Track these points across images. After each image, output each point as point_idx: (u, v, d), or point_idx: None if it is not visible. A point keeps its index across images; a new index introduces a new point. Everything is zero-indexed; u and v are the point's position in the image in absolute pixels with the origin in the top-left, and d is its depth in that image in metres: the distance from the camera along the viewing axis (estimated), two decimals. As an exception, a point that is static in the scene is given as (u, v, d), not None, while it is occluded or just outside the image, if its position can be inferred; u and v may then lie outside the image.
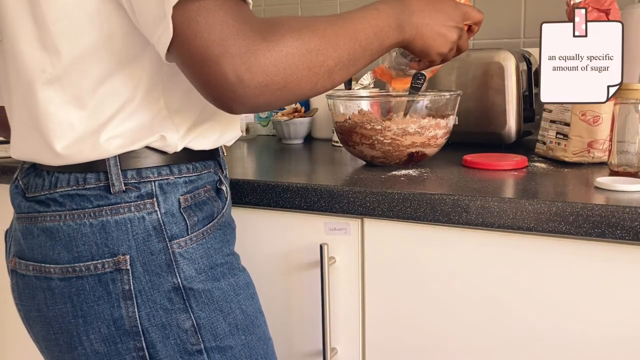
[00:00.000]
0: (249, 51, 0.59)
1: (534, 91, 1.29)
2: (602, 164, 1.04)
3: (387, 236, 0.91)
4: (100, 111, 0.68)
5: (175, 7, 0.59)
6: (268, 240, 1.00)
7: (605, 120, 1.01)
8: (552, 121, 1.09)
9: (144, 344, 0.71)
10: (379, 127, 1.01)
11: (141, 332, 0.71)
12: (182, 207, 0.73)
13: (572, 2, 1.06)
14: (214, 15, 0.59)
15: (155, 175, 0.72)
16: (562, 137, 1.06)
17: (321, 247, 0.92)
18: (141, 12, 0.62)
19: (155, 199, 0.71)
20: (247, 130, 1.59)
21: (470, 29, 0.89)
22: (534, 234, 0.82)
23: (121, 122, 0.69)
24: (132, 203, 0.70)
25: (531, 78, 1.27)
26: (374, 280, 0.94)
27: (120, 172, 0.70)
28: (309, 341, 1.01)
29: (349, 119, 1.06)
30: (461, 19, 0.84)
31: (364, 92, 1.24)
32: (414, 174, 1.00)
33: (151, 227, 0.70)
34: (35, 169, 0.75)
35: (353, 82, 1.37)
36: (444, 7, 0.82)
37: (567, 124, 1.05)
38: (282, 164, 1.15)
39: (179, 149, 0.73)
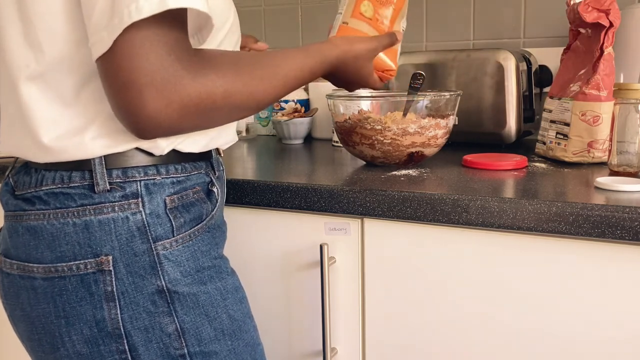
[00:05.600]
0: (174, 89, 0.61)
1: (534, 91, 1.29)
2: (602, 164, 1.04)
3: (387, 236, 0.91)
4: (86, 110, 0.68)
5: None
6: (268, 241, 1.00)
7: (605, 120, 1.01)
8: (552, 121, 1.09)
9: (126, 347, 0.70)
10: (379, 127, 1.01)
11: (123, 335, 0.70)
12: (169, 208, 0.71)
13: (572, 2, 1.06)
14: (151, 44, 0.60)
15: (142, 175, 0.71)
16: (562, 137, 1.06)
17: (321, 247, 0.92)
18: (87, 9, 0.62)
19: (140, 199, 0.70)
20: (247, 130, 1.59)
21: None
22: (534, 234, 0.82)
23: (106, 121, 0.68)
24: (116, 203, 0.69)
25: (531, 78, 1.27)
26: (374, 280, 0.94)
27: (105, 171, 0.69)
28: (309, 341, 1.01)
29: (349, 119, 1.06)
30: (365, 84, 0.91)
31: (364, 92, 1.24)
32: (414, 174, 1.00)
33: (135, 227, 0.69)
34: (26, 167, 0.74)
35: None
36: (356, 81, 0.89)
37: (567, 124, 1.05)
38: (282, 164, 1.15)
39: (166, 151, 0.72)
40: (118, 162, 0.70)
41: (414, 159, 1.05)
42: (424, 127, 1.01)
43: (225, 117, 0.69)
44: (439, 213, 0.85)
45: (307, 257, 0.98)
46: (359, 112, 1.06)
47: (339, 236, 0.95)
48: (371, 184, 0.92)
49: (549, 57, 1.34)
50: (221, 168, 0.84)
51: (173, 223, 0.71)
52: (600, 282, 0.79)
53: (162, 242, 0.71)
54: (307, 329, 1.00)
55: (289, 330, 1.02)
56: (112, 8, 0.59)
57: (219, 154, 0.86)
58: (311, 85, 1.52)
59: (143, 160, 0.71)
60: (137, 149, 0.70)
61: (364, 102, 1.09)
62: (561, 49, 1.16)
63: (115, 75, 0.60)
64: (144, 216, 0.70)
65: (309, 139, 1.52)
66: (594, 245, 0.79)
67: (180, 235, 0.72)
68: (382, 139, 1.01)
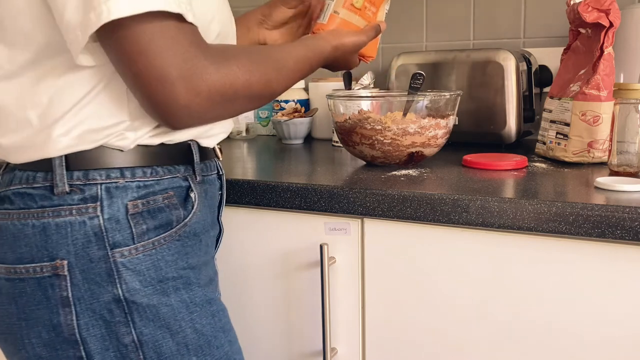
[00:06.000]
0: (201, 78, 0.63)
1: (534, 91, 1.29)
2: (602, 164, 1.04)
3: (387, 236, 0.91)
4: (55, 107, 0.67)
5: (135, 21, 0.60)
6: (268, 241, 1.00)
7: (605, 120, 1.01)
8: (552, 121, 1.09)
9: (83, 353, 0.69)
10: (379, 127, 1.01)
11: (80, 342, 0.68)
12: (130, 213, 0.69)
13: (572, 2, 1.06)
14: (174, 37, 0.62)
15: (103, 177, 0.68)
16: (562, 137, 1.06)
17: (321, 247, 0.92)
18: (58, 11, 0.61)
19: (99, 202, 0.68)
20: (247, 130, 1.59)
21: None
22: (534, 234, 0.82)
23: (74, 118, 0.67)
24: (74, 206, 0.67)
25: (531, 78, 1.27)
26: (374, 280, 0.94)
27: (64, 172, 0.67)
28: (309, 341, 1.01)
29: (349, 119, 1.06)
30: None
31: (364, 92, 1.24)
32: (414, 174, 1.00)
33: (92, 232, 0.67)
34: (9, 166, 0.73)
35: (353, 82, 1.37)
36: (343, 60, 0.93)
37: (567, 124, 1.05)
38: (282, 164, 1.15)
39: (132, 146, 0.70)
40: (81, 164, 0.68)
41: (414, 159, 1.05)
42: (424, 127, 1.01)
43: (245, 105, 0.71)
44: (439, 213, 0.85)
45: (307, 257, 0.98)
46: (359, 112, 1.06)
47: (339, 236, 0.95)
48: (371, 184, 0.92)
49: (549, 57, 1.34)
50: (211, 173, 0.81)
51: (133, 230, 0.69)
52: (601, 282, 0.79)
53: (120, 249, 0.68)
54: (307, 329, 1.00)
55: (289, 330, 1.02)
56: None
57: (217, 156, 0.84)
58: (311, 85, 1.52)
59: (109, 161, 0.69)
60: (105, 147, 0.69)
61: (364, 102, 1.09)
62: (561, 49, 1.16)
63: (143, 74, 0.62)
64: (101, 221, 0.68)
65: (309, 139, 1.52)
66: (594, 245, 0.79)
67: (142, 242, 0.69)
68: (382, 139, 1.01)
